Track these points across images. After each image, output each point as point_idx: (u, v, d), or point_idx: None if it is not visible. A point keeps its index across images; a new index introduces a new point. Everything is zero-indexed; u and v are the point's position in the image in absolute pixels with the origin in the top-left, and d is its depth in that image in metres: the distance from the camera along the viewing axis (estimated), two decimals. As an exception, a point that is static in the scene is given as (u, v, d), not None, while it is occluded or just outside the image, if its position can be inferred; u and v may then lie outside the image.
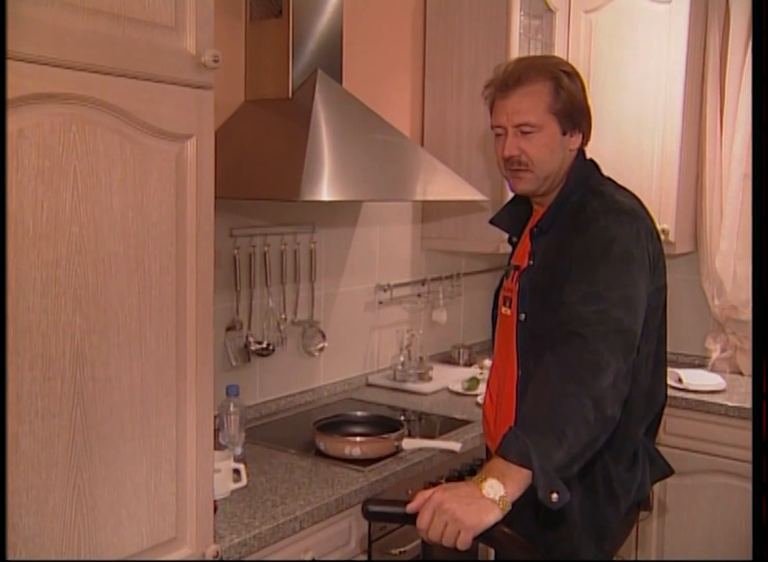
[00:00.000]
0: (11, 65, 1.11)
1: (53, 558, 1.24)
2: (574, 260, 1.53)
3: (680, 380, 2.85)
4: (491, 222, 1.90)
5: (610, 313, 1.43)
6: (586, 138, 1.71)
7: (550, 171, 1.65)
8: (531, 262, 1.68)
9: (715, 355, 3.09)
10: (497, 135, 1.69)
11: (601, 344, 1.40)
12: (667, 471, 1.74)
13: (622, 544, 1.75)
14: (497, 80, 1.67)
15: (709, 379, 2.89)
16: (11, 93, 1.12)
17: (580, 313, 1.44)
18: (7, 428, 1.15)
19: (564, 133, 1.64)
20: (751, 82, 2.82)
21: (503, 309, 1.76)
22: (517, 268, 1.74)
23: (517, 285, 1.70)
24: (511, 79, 1.63)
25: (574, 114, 1.64)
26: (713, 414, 2.72)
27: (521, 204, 1.79)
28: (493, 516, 1.25)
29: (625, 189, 1.69)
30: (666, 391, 1.72)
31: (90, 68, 1.21)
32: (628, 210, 1.58)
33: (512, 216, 1.83)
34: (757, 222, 1.47)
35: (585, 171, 1.70)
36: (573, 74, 1.66)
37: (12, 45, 1.11)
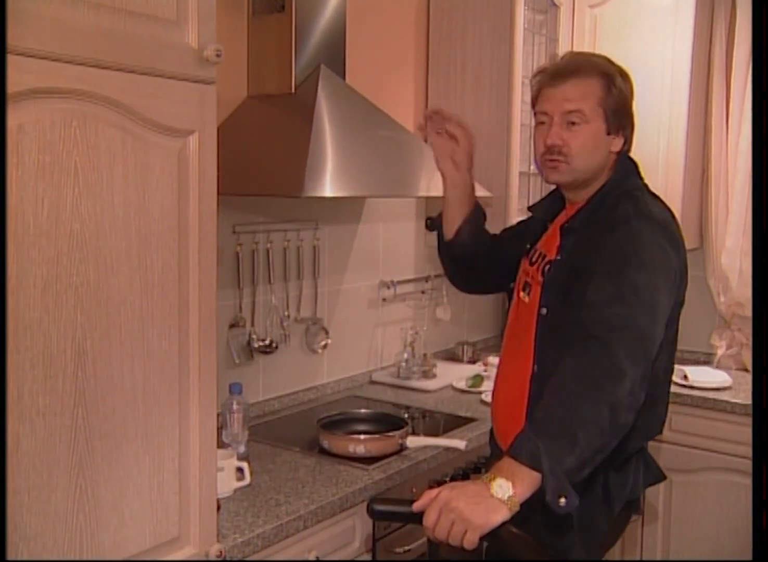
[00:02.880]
0: (10, 59, 1.10)
1: (55, 558, 1.23)
2: (601, 260, 1.52)
3: (686, 377, 2.83)
4: (529, 209, 1.89)
5: (634, 319, 1.42)
6: (628, 143, 1.69)
7: (587, 167, 1.64)
8: (558, 257, 1.66)
9: (720, 352, 3.07)
10: (540, 123, 1.67)
11: (622, 351, 1.38)
12: (660, 477, 1.73)
13: (612, 546, 1.74)
14: (550, 68, 1.67)
15: (714, 376, 2.88)
16: (11, 88, 1.10)
17: (604, 315, 1.43)
18: (6, 427, 1.14)
19: (608, 133, 1.63)
20: (752, 80, 2.80)
21: (521, 294, 1.73)
22: (542, 256, 1.71)
23: (542, 278, 1.68)
24: (566, 69, 1.63)
25: (622, 115, 1.64)
26: (719, 411, 2.71)
27: (558, 197, 1.78)
28: (500, 516, 1.25)
29: (660, 199, 1.67)
30: (667, 403, 1.71)
31: (91, 63, 1.20)
32: (659, 220, 1.57)
33: (548, 207, 1.81)
34: (757, 220, 1.45)
35: (625, 173, 1.68)
36: (626, 77, 1.66)
37: (12, 39, 1.10)
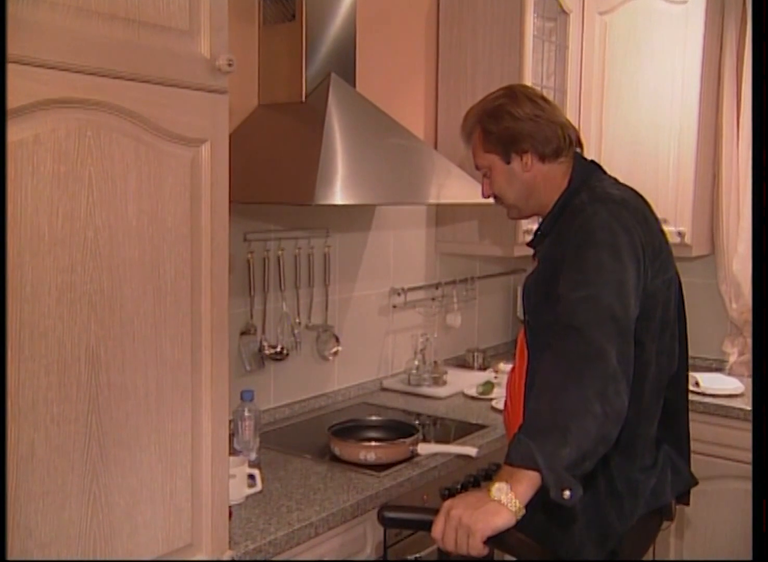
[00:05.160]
0: (26, 71, 1.11)
1: (69, 565, 1.24)
2: (565, 251, 1.53)
3: (698, 384, 2.82)
4: (528, 245, 1.89)
5: (601, 299, 1.42)
6: (541, 151, 1.69)
7: (517, 198, 1.76)
8: (535, 264, 1.72)
9: (732, 358, 3.06)
10: None
11: (596, 333, 1.38)
12: (690, 483, 1.72)
13: (643, 553, 1.72)
14: None
15: (727, 383, 2.87)
16: (27, 99, 1.11)
17: (572, 300, 1.44)
18: (7, 429, 1.14)
19: (508, 162, 1.72)
20: (752, 83, 2.79)
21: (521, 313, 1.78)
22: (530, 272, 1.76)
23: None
24: (462, 134, 1.82)
25: (507, 142, 1.71)
26: (731, 418, 2.70)
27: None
28: (501, 519, 1.24)
29: (625, 185, 1.70)
30: (686, 392, 1.70)
31: (105, 73, 1.21)
32: (617, 200, 1.59)
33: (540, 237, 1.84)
34: (757, 224, 1.44)
35: (584, 174, 1.71)
36: (493, 109, 1.71)
37: (27, 51, 1.11)
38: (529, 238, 1.88)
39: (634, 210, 1.58)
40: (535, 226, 1.91)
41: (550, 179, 1.71)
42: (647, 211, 1.64)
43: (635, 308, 1.47)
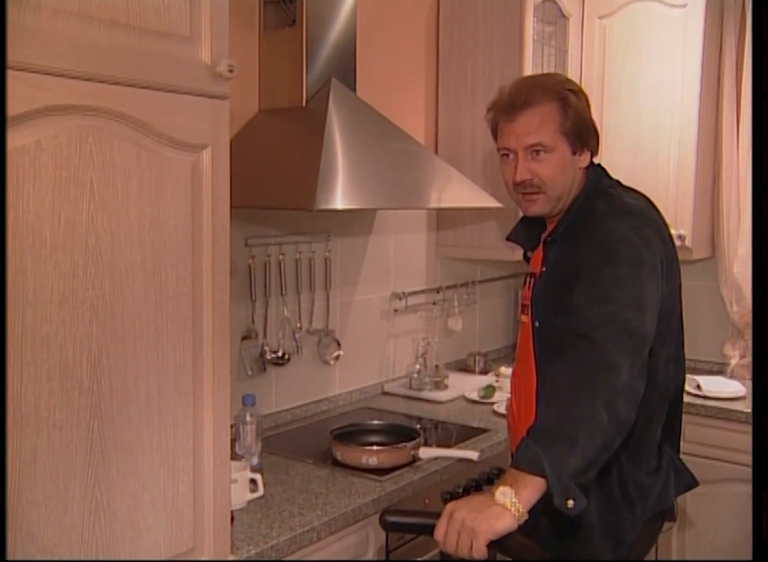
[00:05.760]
0: (28, 77, 1.12)
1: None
2: (583, 263, 1.52)
3: (699, 387, 2.82)
4: (508, 239, 1.88)
5: (619, 314, 1.42)
6: (594, 153, 1.70)
7: (562, 191, 1.64)
8: (544, 269, 1.68)
9: (734, 361, 3.06)
10: (503, 156, 1.67)
11: (611, 346, 1.38)
12: (691, 483, 1.72)
13: (645, 554, 1.72)
14: (502, 102, 1.65)
15: (728, 386, 2.87)
16: (29, 105, 1.12)
17: (589, 315, 1.43)
18: (9, 434, 1.15)
19: (574, 153, 1.63)
20: (752, 86, 2.80)
21: (522, 317, 1.76)
22: (532, 275, 1.74)
23: (531, 292, 1.70)
24: (517, 101, 1.60)
25: (583, 133, 1.63)
26: (733, 421, 2.70)
27: (535, 218, 1.79)
28: (503, 522, 1.24)
29: (633, 190, 1.69)
30: (682, 394, 1.71)
31: (106, 79, 1.21)
32: (635, 211, 1.58)
33: (527, 230, 1.81)
34: (757, 226, 1.45)
35: (595, 179, 1.70)
36: (578, 92, 1.65)
37: (28, 57, 1.11)
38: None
39: (651, 222, 1.58)
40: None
41: (579, 180, 1.67)
42: (660, 221, 1.63)
43: (653, 322, 1.46)
